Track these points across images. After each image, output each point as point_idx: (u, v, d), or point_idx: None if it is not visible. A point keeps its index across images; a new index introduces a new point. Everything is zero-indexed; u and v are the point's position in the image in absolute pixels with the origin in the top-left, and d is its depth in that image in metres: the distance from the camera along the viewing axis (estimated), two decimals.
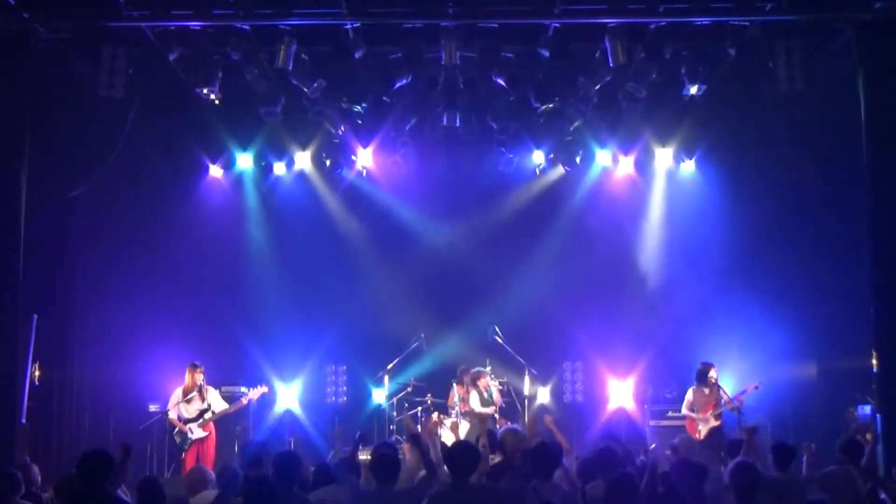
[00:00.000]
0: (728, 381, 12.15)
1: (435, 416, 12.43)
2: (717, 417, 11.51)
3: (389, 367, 12.94)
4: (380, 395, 13.06)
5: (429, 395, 12.76)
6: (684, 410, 11.68)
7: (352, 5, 9.85)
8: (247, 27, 10.24)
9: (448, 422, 12.04)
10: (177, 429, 11.29)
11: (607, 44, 10.17)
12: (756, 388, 11.67)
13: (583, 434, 12.78)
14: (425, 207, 13.67)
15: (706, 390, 11.58)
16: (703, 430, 11.46)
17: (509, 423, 12.76)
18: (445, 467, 6.27)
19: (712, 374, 11.59)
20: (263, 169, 13.51)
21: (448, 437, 11.30)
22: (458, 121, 11.98)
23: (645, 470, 6.55)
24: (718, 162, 13.21)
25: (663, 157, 13.27)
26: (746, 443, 7.48)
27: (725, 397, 11.54)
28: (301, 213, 13.68)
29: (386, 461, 6.42)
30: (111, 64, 10.07)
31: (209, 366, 11.66)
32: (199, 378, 11.37)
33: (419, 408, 12.75)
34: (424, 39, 10.48)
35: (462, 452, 6.16)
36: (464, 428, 12.06)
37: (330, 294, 13.42)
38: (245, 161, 13.29)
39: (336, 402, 13.60)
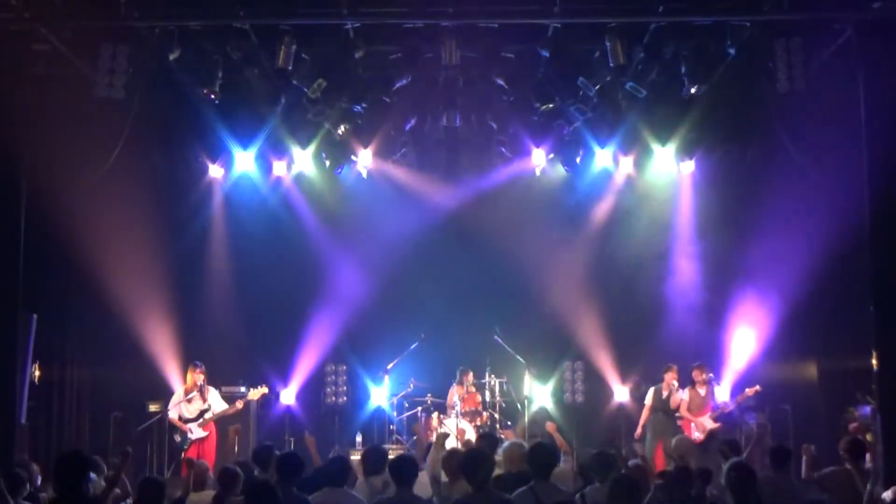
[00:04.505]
0: (728, 382, 12.16)
1: (435, 416, 12.46)
2: (715, 419, 11.52)
3: (389, 367, 12.95)
4: (380, 395, 13.06)
5: (429, 395, 12.77)
6: (681, 412, 11.68)
7: (352, 5, 9.85)
8: (247, 27, 10.25)
9: (449, 423, 12.06)
10: (177, 429, 11.30)
11: (607, 44, 10.17)
12: (756, 391, 11.68)
13: (582, 434, 12.79)
14: (425, 207, 13.67)
15: (701, 391, 11.60)
16: (701, 433, 11.46)
17: (509, 423, 12.84)
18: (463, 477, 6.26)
19: (701, 374, 11.61)
20: (263, 169, 13.52)
21: (451, 442, 11.36)
22: (458, 121, 11.99)
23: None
24: (718, 162, 13.21)
25: (663, 157, 13.27)
26: (757, 437, 7.50)
27: (721, 402, 11.58)
28: (301, 213, 13.68)
29: (405, 464, 6.41)
30: (111, 64, 10.06)
31: (209, 366, 11.67)
32: (200, 378, 11.39)
33: (419, 408, 12.76)
34: (424, 39, 10.48)
35: (478, 461, 6.16)
36: (464, 428, 12.08)
37: (330, 294, 13.42)
38: (245, 161, 13.29)
39: (336, 402, 13.60)
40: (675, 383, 11.78)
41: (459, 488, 6.60)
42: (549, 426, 9.12)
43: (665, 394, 11.82)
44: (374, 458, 7.09)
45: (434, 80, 11.32)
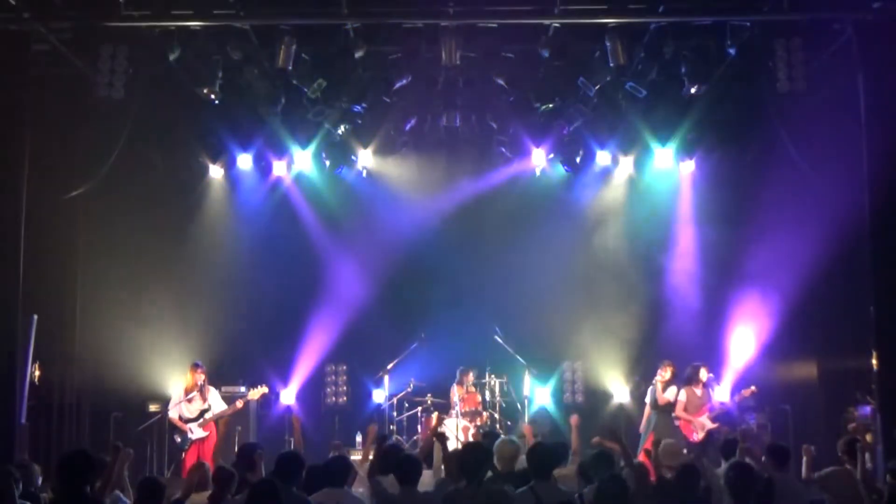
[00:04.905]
0: (728, 382, 12.15)
1: (435, 416, 12.45)
2: (713, 419, 11.52)
3: (389, 367, 12.94)
4: (380, 395, 13.06)
5: (429, 395, 12.77)
6: (678, 412, 11.67)
7: (352, 5, 9.86)
8: (247, 27, 10.25)
9: (451, 423, 12.06)
10: (177, 428, 11.30)
11: (607, 44, 10.18)
12: (752, 392, 11.68)
13: (583, 434, 12.77)
14: (425, 207, 13.67)
15: (698, 391, 11.60)
16: (699, 433, 11.45)
17: (509, 422, 12.84)
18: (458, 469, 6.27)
19: (702, 374, 11.61)
20: (263, 169, 13.52)
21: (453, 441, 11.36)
22: (458, 121, 11.99)
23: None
24: (718, 162, 13.20)
25: (663, 157, 13.26)
26: (756, 437, 7.53)
27: (718, 402, 11.56)
28: (301, 213, 13.68)
29: (409, 463, 6.39)
30: (111, 64, 10.09)
31: (209, 366, 11.67)
32: (200, 378, 11.38)
33: (419, 408, 12.75)
34: (424, 39, 10.49)
35: (474, 454, 6.17)
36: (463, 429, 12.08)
37: (330, 294, 13.42)
38: (245, 161, 13.28)
39: (336, 402, 13.60)
40: (659, 384, 11.75)
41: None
42: (574, 420, 9.12)
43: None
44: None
45: (434, 80, 11.33)
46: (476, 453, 6.25)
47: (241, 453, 7.81)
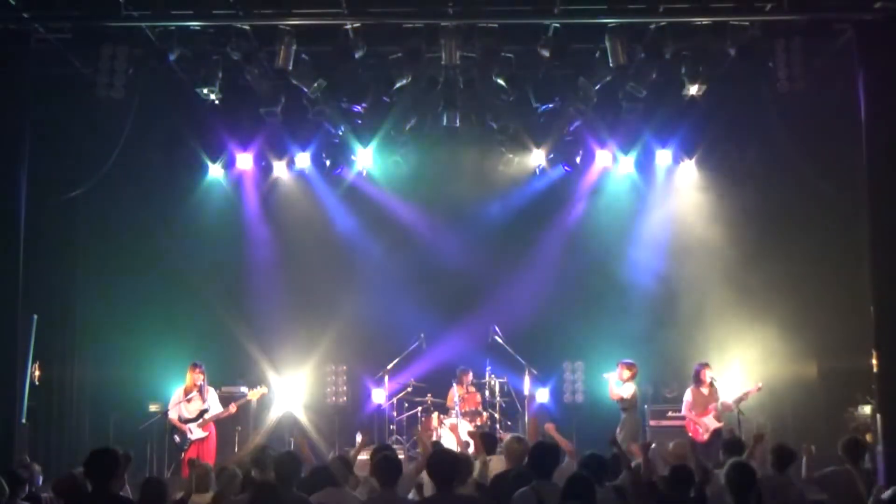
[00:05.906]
0: (729, 382, 12.13)
1: (435, 416, 12.45)
2: (718, 419, 11.51)
3: (389, 367, 12.94)
4: (380, 395, 13.06)
5: (429, 395, 12.77)
6: (684, 412, 11.66)
7: (352, 5, 9.87)
8: (247, 27, 10.25)
9: (448, 422, 12.06)
10: (177, 429, 11.29)
11: (607, 44, 10.18)
12: (758, 389, 11.67)
13: (583, 434, 12.77)
14: (425, 208, 13.68)
15: (704, 391, 11.58)
16: (705, 433, 11.44)
17: (509, 422, 12.84)
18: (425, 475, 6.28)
19: (707, 373, 11.60)
20: (263, 169, 13.53)
21: (447, 438, 11.36)
22: (458, 121, 11.98)
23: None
24: (718, 162, 13.21)
25: (663, 157, 13.26)
26: (751, 449, 7.54)
27: (723, 403, 11.54)
28: (301, 213, 13.69)
29: (388, 464, 6.40)
30: (111, 64, 10.10)
31: (209, 366, 11.66)
32: (200, 378, 11.36)
33: (419, 408, 12.76)
34: (424, 39, 10.49)
35: (445, 462, 6.15)
36: (463, 428, 12.08)
37: (330, 294, 13.42)
38: (245, 161, 13.29)
39: (336, 402, 13.60)
40: (610, 381, 11.73)
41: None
42: (549, 427, 9.11)
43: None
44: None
45: (434, 80, 11.33)
46: (444, 461, 6.21)
47: (253, 455, 7.81)
